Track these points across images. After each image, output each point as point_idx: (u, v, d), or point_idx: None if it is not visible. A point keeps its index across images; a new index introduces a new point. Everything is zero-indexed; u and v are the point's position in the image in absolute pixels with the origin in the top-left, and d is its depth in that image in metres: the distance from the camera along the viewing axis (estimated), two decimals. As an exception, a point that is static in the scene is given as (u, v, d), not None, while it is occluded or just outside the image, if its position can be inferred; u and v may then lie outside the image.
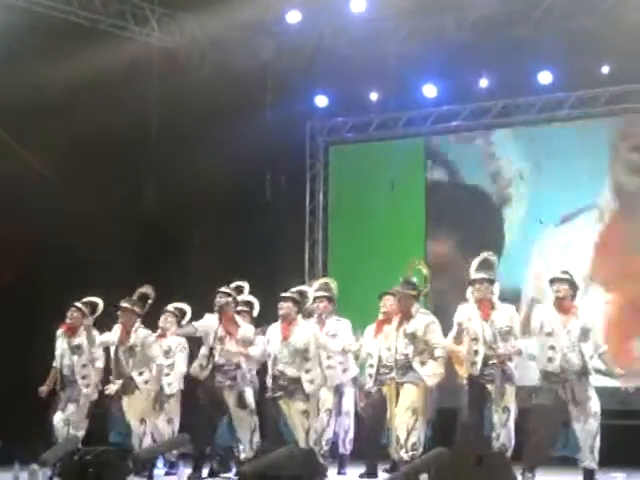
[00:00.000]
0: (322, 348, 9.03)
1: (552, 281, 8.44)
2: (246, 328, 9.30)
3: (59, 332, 10.11)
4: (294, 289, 9.19)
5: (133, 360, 9.64)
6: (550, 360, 8.24)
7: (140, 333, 9.71)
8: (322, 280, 10.26)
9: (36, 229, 11.57)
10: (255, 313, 9.84)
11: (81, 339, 10.00)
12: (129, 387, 9.61)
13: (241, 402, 9.15)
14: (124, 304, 9.71)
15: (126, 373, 9.64)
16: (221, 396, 9.15)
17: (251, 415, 9.20)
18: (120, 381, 9.58)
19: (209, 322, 9.32)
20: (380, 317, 9.46)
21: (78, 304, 9.99)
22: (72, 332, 10.04)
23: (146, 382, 9.65)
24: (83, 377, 9.96)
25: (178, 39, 12.99)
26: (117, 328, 9.81)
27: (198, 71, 12.95)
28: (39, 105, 11.23)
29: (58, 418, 9.85)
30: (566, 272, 8.47)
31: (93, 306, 10.00)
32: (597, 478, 8.29)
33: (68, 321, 10.04)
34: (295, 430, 8.78)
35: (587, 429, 8.12)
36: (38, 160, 11.94)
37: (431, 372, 8.64)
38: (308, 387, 8.81)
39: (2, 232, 11.42)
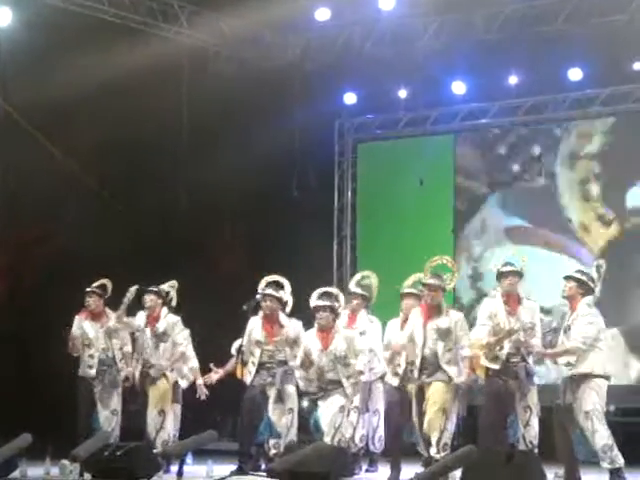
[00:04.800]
0: (358, 354, 9.02)
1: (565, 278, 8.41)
2: (293, 329, 9.21)
3: (79, 318, 9.88)
4: (323, 290, 9.15)
5: (163, 346, 9.62)
6: None
7: (170, 319, 9.70)
8: (365, 273, 10.20)
9: (66, 227, 11.65)
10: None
11: (114, 322, 9.85)
12: (156, 376, 9.61)
13: (280, 399, 9.16)
14: (151, 288, 9.68)
15: (151, 361, 9.62)
16: (264, 394, 9.15)
17: (289, 412, 9.14)
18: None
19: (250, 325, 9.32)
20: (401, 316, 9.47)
21: (94, 289, 9.85)
22: (97, 316, 9.89)
23: (172, 370, 9.64)
24: (121, 359, 9.85)
25: (207, 37, 13.02)
26: (142, 314, 9.77)
27: (227, 69, 12.98)
28: (69, 104, 11.32)
29: (104, 414, 9.72)
30: (579, 270, 8.44)
31: (104, 288, 9.94)
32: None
33: (92, 306, 9.85)
34: (326, 426, 8.77)
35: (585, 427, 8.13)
36: (69, 159, 12.02)
37: (459, 371, 8.55)
38: (350, 390, 8.85)
39: (34, 231, 11.52)
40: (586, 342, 8.12)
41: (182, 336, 9.72)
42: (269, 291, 9.19)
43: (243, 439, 9.25)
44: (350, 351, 8.89)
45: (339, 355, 8.85)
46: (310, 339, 8.99)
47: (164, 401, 9.60)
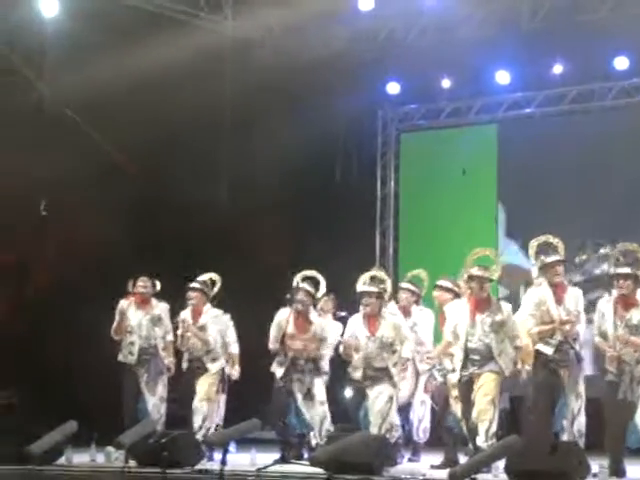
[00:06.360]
0: (404, 340, 8.98)
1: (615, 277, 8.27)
2: (320, 325, 9.25)
3: (125, 302, 9.93)
4: (370, 274, 9.11)
5: (204, 338, 9.66)
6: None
7: (212, 312, 9.76)
8: (415, 272, 10.23)
9: (105, 217, 11.72)
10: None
11: (160, 310, 9.97)
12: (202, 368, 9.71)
13: (309, 394, 9.20)
14: (194, 284, 9.75)
15: (195, 354, 9.70)
16: (291, 390, 9.21)
17: (321, 405, 9.20)
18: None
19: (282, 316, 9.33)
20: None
21: (145, 276, 9.94)
22: (145, 303, 9.97)
23: (214, 360, 9.67)
24: (164, 348, 9.93)
25: (251, 27, 13.03)
26: (188, 311, 9.82)
27: (271, 59, 12.99)
28: (111, 95, 11.35)
29: (153, 401, 9.82)
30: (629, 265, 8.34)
31: (153, 284, 10.03)
32: None
33: (141, 290, 9.94)
34: (374, 416, 8.75)
35: None
36: (112, 150, 12.11)
37: (510, 363, 8.49)
38: (397, 377, 8.84)
39: (80, 221, 11.60)
40: None
41: (215, 329, 9.70)
42: (303, 285, 9.20)
43: (277, 430, 9.31)
44: (397, 338, 8.87)
45: (386, 342, 8.82)
46: (357, 324, 8.95)
47: (211, 391, 9.65)
